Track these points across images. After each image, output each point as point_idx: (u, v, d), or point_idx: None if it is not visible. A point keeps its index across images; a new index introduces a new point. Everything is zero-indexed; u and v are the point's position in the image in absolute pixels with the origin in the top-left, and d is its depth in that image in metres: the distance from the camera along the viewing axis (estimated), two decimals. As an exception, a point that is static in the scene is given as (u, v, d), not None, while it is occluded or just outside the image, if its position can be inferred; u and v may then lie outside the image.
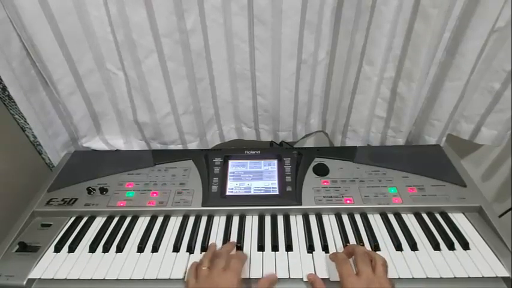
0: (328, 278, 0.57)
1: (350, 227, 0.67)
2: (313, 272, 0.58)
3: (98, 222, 0.70)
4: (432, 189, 0.71)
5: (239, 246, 0.64)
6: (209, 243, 0.64)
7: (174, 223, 0.69)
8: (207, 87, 0.80)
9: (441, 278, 0.56)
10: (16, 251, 0.63)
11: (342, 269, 0.54)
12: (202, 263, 0.57)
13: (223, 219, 0.70)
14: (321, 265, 0.59)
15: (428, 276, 0.56)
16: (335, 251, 0.62)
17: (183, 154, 0.82)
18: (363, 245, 0.63)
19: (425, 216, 0.68)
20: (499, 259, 0.59)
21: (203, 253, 0.62)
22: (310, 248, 0.62)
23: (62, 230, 0.68)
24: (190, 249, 0.63)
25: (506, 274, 0.56)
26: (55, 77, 0.71)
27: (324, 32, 0.74)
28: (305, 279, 0.57)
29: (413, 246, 0.62)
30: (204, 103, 0.82)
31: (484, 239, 0.63)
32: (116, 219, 0.71)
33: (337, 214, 0.70)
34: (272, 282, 0.56)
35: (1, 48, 0.65)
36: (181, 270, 0.60)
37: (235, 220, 0.70)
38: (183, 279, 0.58)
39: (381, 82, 0.78)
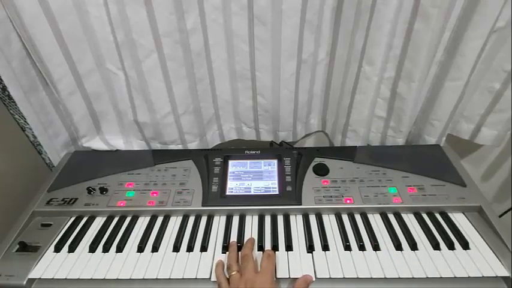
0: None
1: (350, 226, 0.67)
2: (313, 272, 0.58)
3: (98, 222, 0.70)
4: (432, 189, 0.71)
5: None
6: (229, 242, 0.64)
7: (174, 223, 0.69)
8: (207, 87, 0.80)
9: (441, 277, 0.56)
10: (16, 251, 0.63)
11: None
12: (231, 267, 0.56)
13: (223, 219, 0.70)
14: (321, 265, 0.59)
15: (428, 276, 0.56)
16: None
17: (183, 154, 0.83)
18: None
19: (425, 216, 0.68)
20: (499, 259, 0.59)
21: (224, 254, 0.62)
22: (310, 248, 0.62)
23: (62, 230, 0.68)
24: (190, 249, 0.63)
25: (506, 274, 0.56)
26: (55, 77, 0.71)
27: (324, 32, 0.74)
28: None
29: (413, 246, 0.62)
30: (204, 103, 0.82)
31: (484, 239, 0.63)
32: (116, 219, 0.71)
33: (337, 214, 0.70)
34: (308, 282, 0.56)
35: (1, 48, 0.65)
36: (180, 270, 0.59)
37: (235, 220, 0.70)
38: (183, 279, 0.58)
39: (381, 82, 0.78)
